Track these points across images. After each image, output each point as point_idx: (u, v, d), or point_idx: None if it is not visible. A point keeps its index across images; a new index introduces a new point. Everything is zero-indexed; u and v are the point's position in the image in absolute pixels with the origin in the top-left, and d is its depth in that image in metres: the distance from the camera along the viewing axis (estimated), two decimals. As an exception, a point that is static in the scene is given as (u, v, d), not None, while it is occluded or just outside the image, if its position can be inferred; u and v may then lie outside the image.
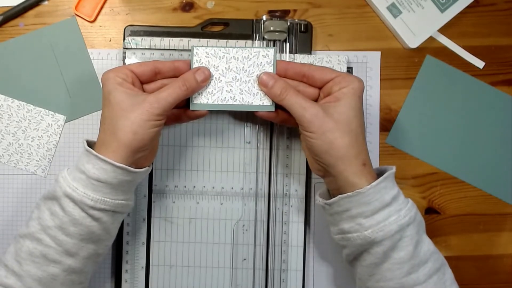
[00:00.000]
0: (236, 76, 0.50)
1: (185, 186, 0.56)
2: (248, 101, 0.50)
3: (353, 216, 0.45)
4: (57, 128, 0.57)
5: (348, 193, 0.45)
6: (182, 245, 0.56)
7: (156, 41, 0.55)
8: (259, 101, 0.50)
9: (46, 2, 0.58)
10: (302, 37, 0.56)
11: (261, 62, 0.50)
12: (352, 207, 0.45)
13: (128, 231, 0.55)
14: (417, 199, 0.58)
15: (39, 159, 0.57)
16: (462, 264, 0.59)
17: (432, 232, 0.58)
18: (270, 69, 0.50)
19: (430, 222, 0.58)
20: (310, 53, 0.56)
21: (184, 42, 0.55)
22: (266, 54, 0.50)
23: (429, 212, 0.59)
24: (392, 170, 0.46)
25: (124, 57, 0.55)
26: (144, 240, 0.56)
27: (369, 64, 0.58)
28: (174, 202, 0.56)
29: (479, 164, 0.58)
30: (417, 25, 0.56)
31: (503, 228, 0.59)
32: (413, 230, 0.45)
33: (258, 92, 0.50)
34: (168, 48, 0.55)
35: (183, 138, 0.56)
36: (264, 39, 0.55)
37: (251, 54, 0.50)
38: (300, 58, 0.55)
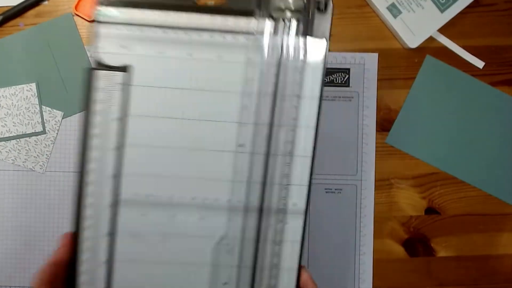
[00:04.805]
0: None
1: (158, 196, 0.42)
2: None
3: None
4: (55, 124, 0.57)
5: None
6: (153, 267, 0.43)
7: (137, 14, 0.39)
8: None
9: (46, 2, 0.58)
10: (318, 17, 0.41)
11: None
12: None
13: (87, 246, 0.41)
14: (417, 199, 0.58)
15: (37, 155, 0.56)
16: (462, 264, 0.58)
17: (432, 232, 0.58)
18: None
19: (430, 222, 0.58)
20: (329, 39, 0.42)
21: (172, 17, 0.40)
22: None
23: (429, 212, 0.58)
24: None
25: (95, 33, 0.39)
26: (105, 259, 0.41)
27: (366, 66, 0.58)
28: (143, 215, 0.42)
29: (479, 164, 0.58)
30: (417, 25, 0.56)
31: (503, 228, 0.58)
32: None
33: None
34: (152, 24, 0.39)
35: (157, 137, 0.42)
36: (271, 17, 0.41)
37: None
38: (313, 42, 0.41)
